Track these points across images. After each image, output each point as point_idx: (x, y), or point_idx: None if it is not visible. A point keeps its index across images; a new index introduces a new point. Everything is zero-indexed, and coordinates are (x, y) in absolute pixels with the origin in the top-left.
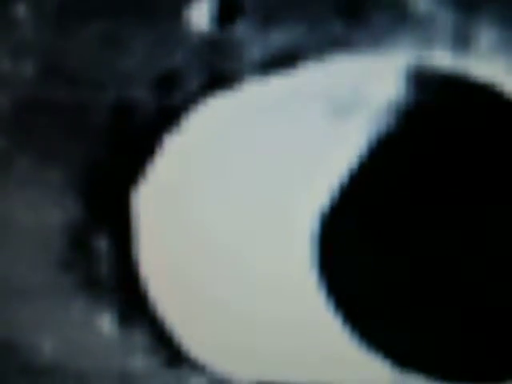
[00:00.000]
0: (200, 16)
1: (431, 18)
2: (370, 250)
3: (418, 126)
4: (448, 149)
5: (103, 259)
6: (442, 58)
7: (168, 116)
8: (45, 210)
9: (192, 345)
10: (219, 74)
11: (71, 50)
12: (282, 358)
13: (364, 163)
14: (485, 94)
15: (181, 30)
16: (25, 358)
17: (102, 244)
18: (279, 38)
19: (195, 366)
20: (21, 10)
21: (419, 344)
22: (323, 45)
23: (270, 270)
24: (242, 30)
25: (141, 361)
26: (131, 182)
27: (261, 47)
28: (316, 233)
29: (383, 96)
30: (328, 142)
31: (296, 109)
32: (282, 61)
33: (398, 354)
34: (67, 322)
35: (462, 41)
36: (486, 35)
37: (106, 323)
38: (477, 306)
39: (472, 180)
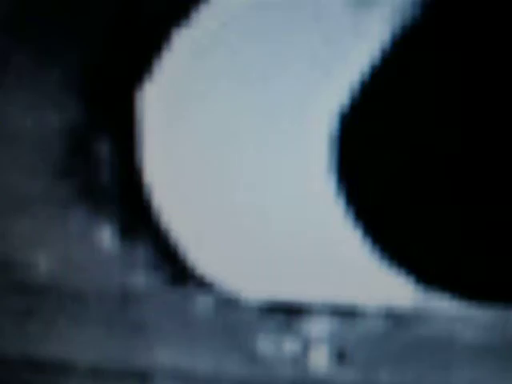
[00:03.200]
0: None
1: None
2: (394, 153)
3: (444, 17)
4: (475, 42)
5: (104, 166)
6: None
7: (177, 8)
8: (42, 113)
9: (199, 260)
10: None
11: None
12: (296, 275)
13: (387, 58)
14: None
15: None
16: (20, 275)
17: (103, 149)
18: None
19: (201, 284)
20: None
21: (445, 260)
22: None
23: (285, 177)
24: None
25: (143, 278)
26: (136, 81)
27: None
28: (335, 136)
29: None
30: (349, 36)
31: (315, 0)
32: None
33: (423, 271)
34: (65, 236)
35: None
36: None
37: (106, 237)
38: (504, 221)
39: (500, 74)
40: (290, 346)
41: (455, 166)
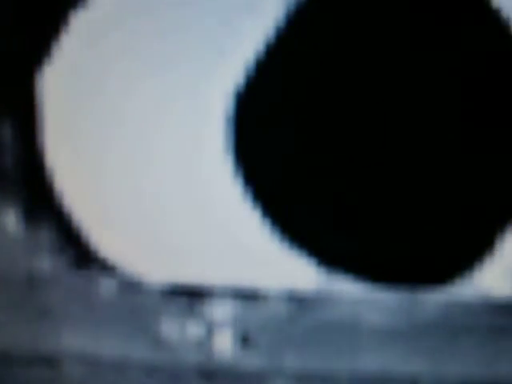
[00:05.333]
0: None
1: None
2: (291, 132)
3: None
4: (370, 19)
5: (6, 150)
6: None
7: None
8: None
9: (101, 244)
10: None
11: None
12: (197, 258)
13: (282, 35)
14: None
15: None
16: None
17: (5, 134)
18: None
19: (105, 267)
20: None
21: (348, 241)
22: None
23: (183, 158)
24: None
25: (48, 262)
26: (35, 65)
27: None
28: (231, 116)
29: None
30: (243, 14)
31: None
32: None
33: (325, 253)
34: None
35: None
36: None
37: (10, 221)
38: (408, 201)
39: (396, 46)
40: (194, 329)
41: (353, 144)
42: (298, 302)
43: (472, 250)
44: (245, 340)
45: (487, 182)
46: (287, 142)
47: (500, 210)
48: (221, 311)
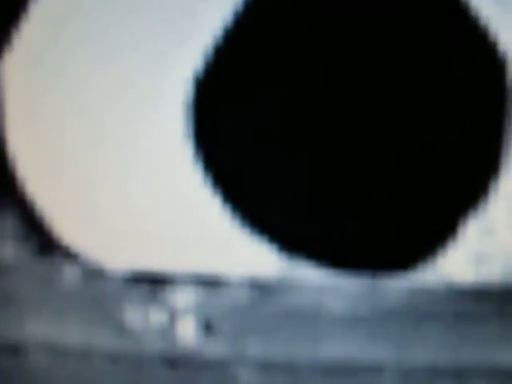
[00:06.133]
0: None
1: None
2: (251, 118)
3: None
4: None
5: None
6: None
7: None
8: None
9: (64, 231)
10: None
11: None
12: (159, 244)
13: (241, 20)
14: None
15: None
16: None
17: None
18: None
19: (68, 255)
20: None
21: (308, 227)
22: None
23: (143, 145)
24: None
25: (11, 249)
26: None
27: None
28: (191, 101)
29: None
30: (201, 0)
31: None
32: None
33: (286, 238)
34: None
35: None
36: None
37: None
38: (370, 186)
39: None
40: (157, 317)
41: (311, 129)
42: (260, 288)
43: (434, 236)
44: (208, 327)
45: (449, 167)
46: (247, 127)
47: (462, 195)
48: (183, 298)
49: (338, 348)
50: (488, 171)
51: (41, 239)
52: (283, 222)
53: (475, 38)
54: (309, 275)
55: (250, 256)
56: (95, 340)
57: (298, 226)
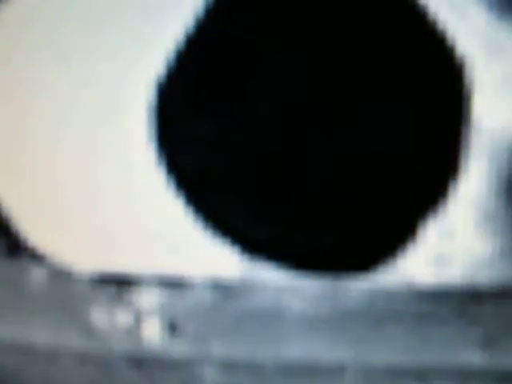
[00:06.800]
0: None
1: None
2: (213, 121)
3: None
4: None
5: None
6: None
7: None
8: None
9: (30, 233)
10: None
11: None
12: (123, 246)
13: (202, 25)
14: None
15: None
16: None
17: None
18: None
19: (35, 257)
20: None
21: (269, 228)
22: None
23: (107, 148)
24: None
25: None
26: None
27: None
28: (153, 104)
29: None
30: (162, 3)
31: None
32: None
33: (247, 240)
34: None
35: None
36: None
37: None
38: (329, 188)
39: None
40: (123, 317)
41: (272, 132)
42: (223, 289)
43: (394, 238)
44: (172, 328)
45: (408, 169)
46: (209, 130)
47: (421, 196)
48: (148, 299)
49: (299, 348)
50: (447, 173)
51: (7, 241)
52: (244, 224)
53: (433, 42)
54: (270, 276)
55: (212, 258)
56: (63, 340)
57: (259, 227)
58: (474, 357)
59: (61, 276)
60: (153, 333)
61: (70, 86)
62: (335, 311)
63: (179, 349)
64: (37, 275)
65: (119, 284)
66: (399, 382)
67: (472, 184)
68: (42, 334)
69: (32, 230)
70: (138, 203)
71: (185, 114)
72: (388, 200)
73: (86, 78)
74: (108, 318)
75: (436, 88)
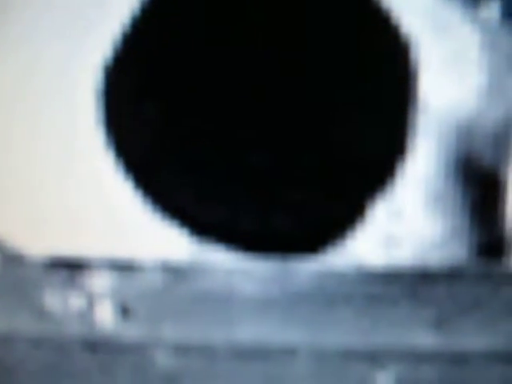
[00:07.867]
0: None
1: None
2: (159, 104)
3: None
4: None
5: None
6: None
7: None
8: None
9: None
10: None
11: None
12: (74, 230)
13: (147, 8)
14: None
15: None
16: None
17: None
18: None
19: None
20: None
21: (217, 211)
22: None
23: (55, 132)
24: None
25: None
26: None
27: None
28: (101, 88)
29: None
30: None
31: None
32: None
33: (195, 222)
34: None
35: None
36: None
37: None
38: (277, 169)
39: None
40: (76, 301)
41: (218, 113)
42: (173, 272)
43: (343, 219)
44: (124, 311)
45: (356, 149)
46: (155, 113)
47: (369, 177)
48: (100, 283)
49: (250, 331)
50: (394, 153)
51: None
52: (193, 207)
53: (378, 21)
54: (220, 259)
55: (162, 241)
56: (16, 325)
57: (208, 210)
58: (425, 338)
59: (13, 260)
60: (105, 316)
61: (17, 71)
62: (285, 293)
63: (131, 332)
64: None
65: (71, 268)
66: (350, 363)
67: (420, 164)
68: None
69: None
70: (87, 187)
71: (132, 97)
72: (336, 181)
73: (32, 63)
74: (61, 302)
75: (382, 67)
